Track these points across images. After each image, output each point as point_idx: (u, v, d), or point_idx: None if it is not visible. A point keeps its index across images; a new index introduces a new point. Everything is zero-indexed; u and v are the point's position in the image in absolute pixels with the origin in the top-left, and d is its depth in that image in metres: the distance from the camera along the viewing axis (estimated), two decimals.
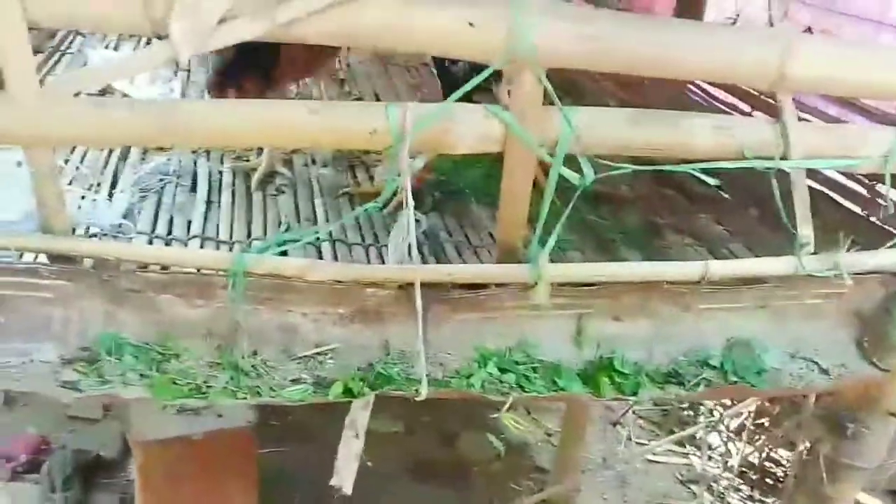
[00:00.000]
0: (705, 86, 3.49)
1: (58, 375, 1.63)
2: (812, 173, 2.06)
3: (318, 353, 1.82)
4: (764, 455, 4.66)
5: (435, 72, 2.70)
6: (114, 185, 2.22)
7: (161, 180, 2.23)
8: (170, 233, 2.07)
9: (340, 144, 2.08)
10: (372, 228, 2.28)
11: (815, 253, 1.97)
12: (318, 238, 2.09)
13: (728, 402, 4.75)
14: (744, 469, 4.65)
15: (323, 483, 2.03)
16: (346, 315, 1.84)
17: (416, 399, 1.77)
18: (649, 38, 1.74)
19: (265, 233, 2.18)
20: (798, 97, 2.03)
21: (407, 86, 3.45)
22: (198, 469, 2.92)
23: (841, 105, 3.16)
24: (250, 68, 2.07)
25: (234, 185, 2.38)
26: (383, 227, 2.27)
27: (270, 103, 1.84)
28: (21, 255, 1.79)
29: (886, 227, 2.42)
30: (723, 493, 4.54)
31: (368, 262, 2.10)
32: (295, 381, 1.77)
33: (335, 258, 2.09)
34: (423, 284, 1.76)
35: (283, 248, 1.85)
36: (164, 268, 1.82)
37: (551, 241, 1.85)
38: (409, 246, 1.79)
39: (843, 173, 2.70)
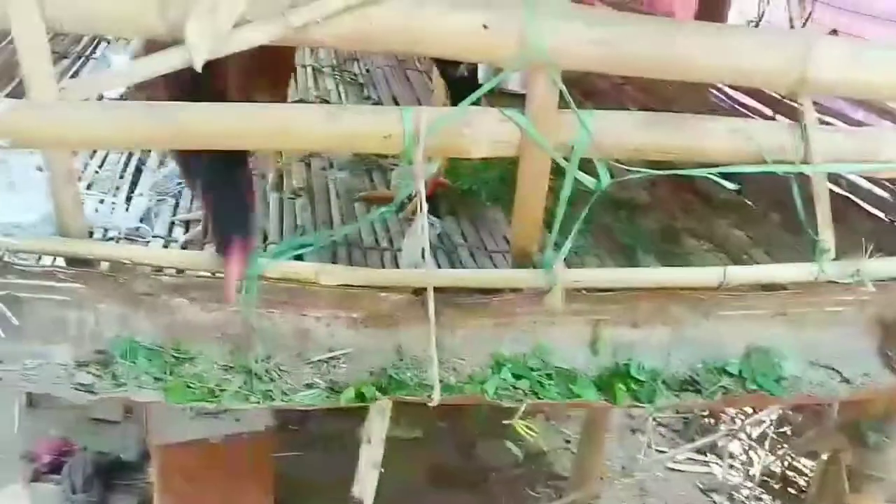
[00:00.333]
0: (728, 90, 3.45)
1: (72, 378, 1.64)
2: (835, 178, 2.02)
3: (331, 358, 1.81)
4: (786, 464, 4.59)
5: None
6: (132, 188, 2.24)
7: (178, 184, 2.25)
8: None
9: (355, 148, 2.09)
10: (387, 232, 2.27)
11: (836, 259, 1.94)
12: (333, 242, 2.10)
13: (749, 410, 4.68)
14: (766, 478, 4.58)
15: (340, 489, 2.03)
16: (360, 319, 1.83)
17: (430, 405, 1.76)
18: (665, 40, 1.72)
19: (281, 236, 2.19)
20: (823, 100, 1.99)
21: (426, 90, 3.45)
22: (216, 473, 2.92)
23: (868, 109, 3.11)
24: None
25: None
26: (398, 230, 2.26)
27: (286, 106, 1.84)
28: (39, 258, 1.81)
29: None
30: (744, 503, 4.47)
31: (383, 266, 2.10)
32: (308, 386, 1.76)
33: (350, 262, 2.09)
34: (436, 289, 1.75)
35: (298, 252, 1.86)
36: (179, 271, 1.83)
37: (567, 246, 1.83)
38: (423, 250, 1.78)
39: (866, 178, 2.65)
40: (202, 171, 1.69)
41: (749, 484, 4.57)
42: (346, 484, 1.97)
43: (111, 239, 1.97)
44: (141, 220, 2.01)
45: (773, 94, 3.08)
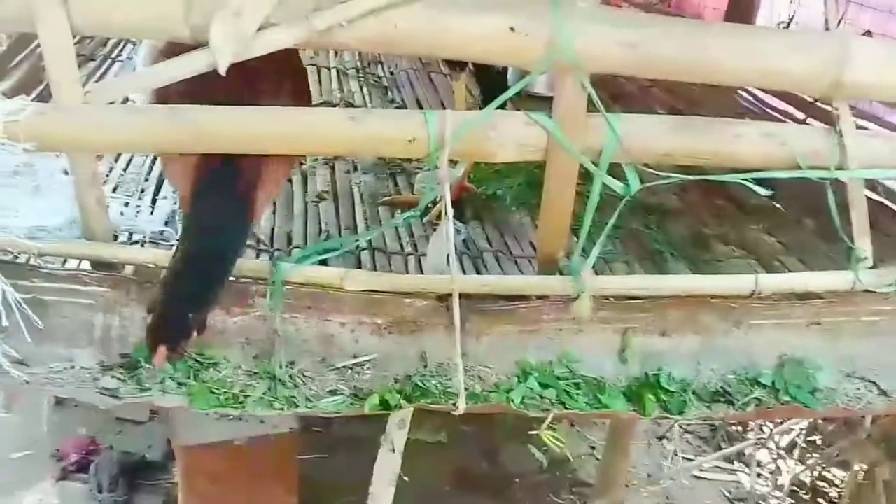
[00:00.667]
0: (758, 93, 3.38)
1: (97, 382, 1.64)
2: (871, 184, 1.97)
3: (355, 364, 1.80)
4: (816, 474, 4.50)
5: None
6: (157, 191, 2.25)
7: None
8: None
9: (379, 152, 2.07)
10: (411, 237, 2.25)
11: (873, 267, 1.88)
12: (357, 247, 2.08)
13: (778, 419, 4.59)
14: (795, 488, 4.49)
15: (364, 492, 2.01)
16: (384, 325, 1.81)
17: (455, 413, 1.73)
18: (696, 43, 1.69)
19: (306, 240, 2.18)
20: (857, 104, 1.94)
21: (450, 93, 3.43)
22: (240, 474, 2.93)
23: None
24: None
25: None
26: (423, 235, 2.24)
27: (309, 110, 1.83)
28: (64, 262, 1.82)
29: None
30: None
31: (407, 271, 2.08)
32: (332, 392, 1.75)
33: (374, 266, 2.07)
34: (461, 295, 1.72)
35: (323, 257, 1.85)
36: None
37: (595, 253, 1.80)
38: (448, 256, 1.76)
39: None
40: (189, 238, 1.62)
41: (778, 494, 4.47)
42: (369, 487, 1.96)
43: (136, 242, 1.97)
44: (166, 224, 2.01)
45: (804, 97, 3.01)
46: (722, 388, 1.89)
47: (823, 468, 4.47)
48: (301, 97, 1.82)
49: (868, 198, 1.90)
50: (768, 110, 3.31)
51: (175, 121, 1.57)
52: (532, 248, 2.24)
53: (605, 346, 1.89)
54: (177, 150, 1.62)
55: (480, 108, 2.23)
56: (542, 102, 2.80)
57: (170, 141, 1.60)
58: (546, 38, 1.59)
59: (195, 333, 1.55)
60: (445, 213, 1.71)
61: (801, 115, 3.11)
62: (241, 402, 1.69)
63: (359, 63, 3.65)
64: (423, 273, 2.03)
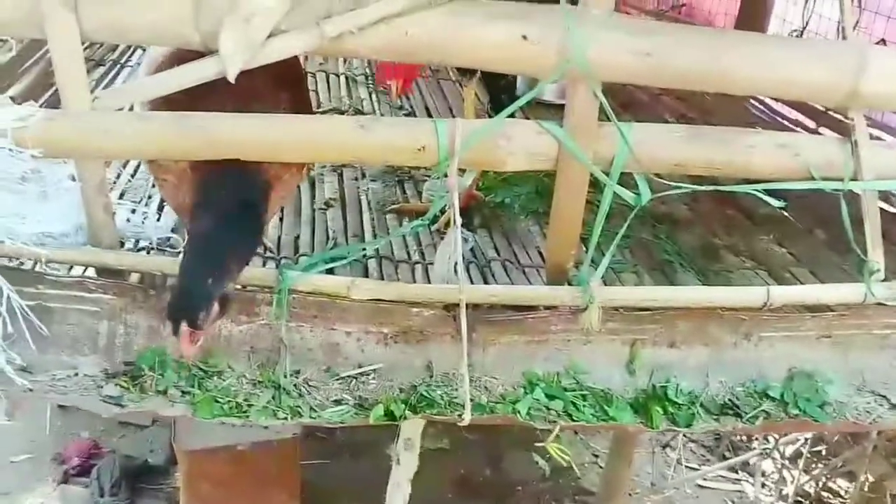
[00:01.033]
0: (769, 101, 3.36)
1: (101, 390, 1.63)
2: (884, 195, 1.95)
3: (360, 374, 1.78)
4: (821, 484, 4.46)
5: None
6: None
7: None
8: None
9: (388, 161, 2.05)
10: (419, 245, 2.24)
11: (886, 280, 1.86)
12: (364, 255, 2.07)
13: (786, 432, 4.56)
14: (799, 499, 4.45)
15: (366, 497, 2.00)
16: (390, 335, 1.80)
17: (461, 424, 1.71)
18: (710, 52, 1.67)
19: (313, 248, 2.16)
20: (871, 113, 1.92)
21: (459, 100, 3.41)
22: (243, 479, 2.92)
23: None
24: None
25: None
26: (430, 243, 2.23)
27: (318, 117, 1.82)
28: (70, 268, 1.80)
29: None
30: None
31: (414, 280, 2.06)
32: (336, 402, 1.73)
33: (381, 275, 2.05)
34: (468, 305, 1.71)
35: (329, 266, 1.83)
36: None
37: (605, 264, 1.78)
38: (456, 265, 1.74)
39: None
40: (198, 230, 1.58)
41: None
42: (372, 493, 1.94)
43: (142, 249, 1.95)
44: (173, 230, 1.99)
45: (817, 106, 2.99)
46: (730, 400, 1.88)
47: (828, 478, 4.44)
48: (299, 105, 1.80)
49: (881, 210, 1.88)
50: (779, 119, 3.29)
51: (184, 128, 1.56)
52: (540, 256, 2.22)
53: (613, 358, 1.87)
54: (185, 157, 1.61)
55: (488, 115, 2.22)
56: (552, 110, 2.81)
57: (179, 148, 1.59)
58: (558, 47, 1.58)
59: (217, 307, 1.49)
60: (453, 222, 1.70)
61: (812, 125, 3.09)
62: (244, 412, 1.68)
63: (367, 70, 3.64)
64: (430, 282, 2.01)
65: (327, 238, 2.24)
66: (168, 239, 1.97)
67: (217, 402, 1.66)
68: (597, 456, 4.63)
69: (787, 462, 4.62)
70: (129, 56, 3.33)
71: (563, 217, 1.82)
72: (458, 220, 1.69)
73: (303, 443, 2.98)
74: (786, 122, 3.25)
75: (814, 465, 4.49)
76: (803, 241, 2.45)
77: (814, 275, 2.24)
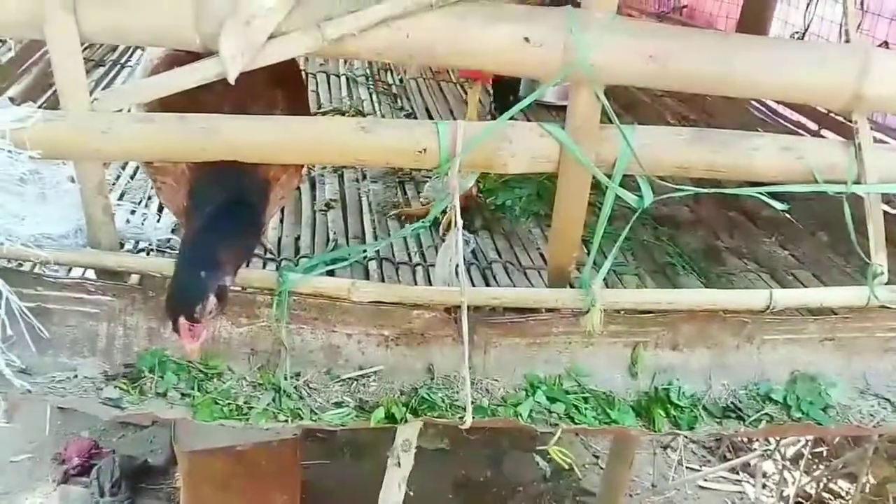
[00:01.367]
0: (770, 102, 3.34)
1: (100, 392, 1.62)
2: (887, 198, 1.94)
3: (361, 376, 1.77)
4: (822, 486, 4.45)
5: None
6: None
7: None
8: None
9: (390, 163, 2.05)
10: (420, 247, 2.23)
11: (889, 283, 1.85)
12: (365, 256, 2.06)
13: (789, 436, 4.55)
14: (800, 500, 4.44)
15: (367, 498, 1.99)
16: (391, 337, 1.79)
17: (462, 427, 1.71)
18: (713, 54, 1.66)
19: (313, 250, 2.15)
20: (874, 116, 1.91)
21: (459, 102, 3.41)
22: (243, 479, 2.91)
23: None
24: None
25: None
26: (432, 245, 2.22)
27: (319, 119, 1.81)
28: (70, 270, 1.80)
29: None
30: None
31: (415, 282, 2.05)
32: (337, 405, 1.72)
33: (381, 277, 2.05)
34: (470, 307, 1.70)
35: (330, 268, 1.82)
36: None
37: (606, 266, 1.78)
38: (457, 267, 1.73)
39: None
40: (194, 226, 1.57)
41: None
42: (372, 493, 1.93)
43: (142, 250, 1.95)
44: (172, 232, 1.99)
45: (819, 108, 2.98)
46: (733, 403, 1.87)
47: (829, 480, 4.43)
48: (296, 104, 1.79)
49: (884, 212, 1.87)
50: (781, 121, 3.28)
51: (185, 129, 1.55)
52: (542, 258, 2.21)
53: (615, 360, 1.86)
54: (185, 158, 1.60)
55: (492, 116, 2.21)
56: (553, 111, 2.80)
57: (180, 150, 1.58)
58: (562, 49, 1.57)
59: (214, 299, 1.48)
60: (454, 224, 1.69)
61: (813, 127, 3.08)
62: (245, 414, 1.67)
63: (368, 71, 3.63)
64: (431, 284, 2.00)
65: (328, 240, 2.23)
66: (168, 240, 1.96)
67: (217, 404, 1.65)
68: (597, 457, 4.63)
69: (787, 463, 4.62)
70: (130, 56, 3.32)
71: (564, 219, 1.81)
72: (460, 222, 1.69)
73: (303, 443, 2.97)
74: (787, 125, 3.23)
75: (815, 467, 4.48)
76: (806, 244, 2.44)
77: (817, 278, 2.24)
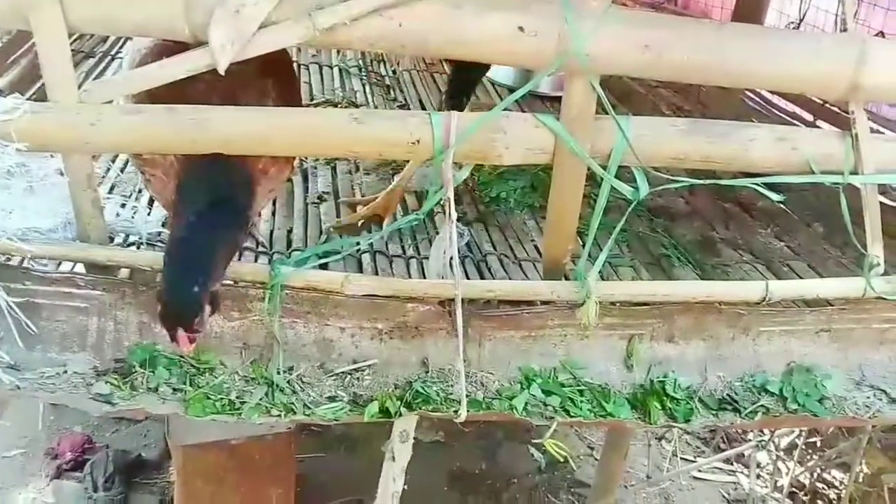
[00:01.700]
0: (765, 93, 3.33)
1: (91, 388, 1.60)
2: (883, 189, 1.93)
3: (355, 370, 1.76)
4: (816, 476, 4.47)
5: None
6: None
7: None
8: None
9: (382, 154, 2.02)
10: (413, 240, 2.21)
11: (885, 274, 1.85)
12: (358, 249, 2.04)
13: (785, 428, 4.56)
14: (794, 490, 4.47)
15: (362, 491, 1.98)
16: (385, 330, 1.78)
17: (457, 420, 1.70)
18: (709, 44, 1.65)
19: (306, 243, 2.14)
20: (871, 106, 1.90)
21: None
22: (237, 473, 2.90)
23: None
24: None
25: None
26: (426, 238, 2.20)
27: (312, 111, 1.79)
28: (59, 264, 1.77)
29: None
30: None
31: (409, 275, 2.04)
32: (331, 399, 1.71)
33: (375, 270, 2.03)
34: (464, 300, 1.68)
35: (323, 261, 1.81)
36: None
37: (602, 258, 1.76)
38: (451, 260, 1.71)
39: None
40: (179, 227, 1.57)
41: (777, 495, 4.45)
42: (367, 486, 1.92)
43: (132, 244, 1.92)
44: (162, 226, 1.96)
45: (814, 99, 2.97)
46: (728, 395, 1.86)
47: (823, 470, 4.45)
48: (287, 93, 1.77)
49: (882, 204, 1.86)
50: (776, 112, 3.27)
51: (174, 121, 1.53)
52: (536, 251, 2.20)
53: (610, 353, 1.86)
54: (175, 151, 1.57)
55: (441, 108, 2.16)
56: (547, 102, 2.78)
57: (169, 142, 1.56)
58: (556, 39, 1.55)
59: (208, 307, 1.52)
60: (449, 217, 1.68)
61: (809, 117, 3.07)
62: (237, 409, 1.65)
63: (361, 62, 3.60)
64: (425, 277, 1.99)
65: (320, 232, 2.21)
66: (158, 234, 1.94)
67: (209, 399, 1.63)
68: (592, 448, 4.64)
69: (782, 454, 4.63)
70: (121, 48, 3.28)
71: (559, 211, 1.80)
72: (454, 215, 1.67)
73: (298, 437, 2.96)
74: (782, 115, 3.23)
75: (809, 457, 4.50)
76: (802, 235, 2.43)
77: (813, 269, 2.23)
